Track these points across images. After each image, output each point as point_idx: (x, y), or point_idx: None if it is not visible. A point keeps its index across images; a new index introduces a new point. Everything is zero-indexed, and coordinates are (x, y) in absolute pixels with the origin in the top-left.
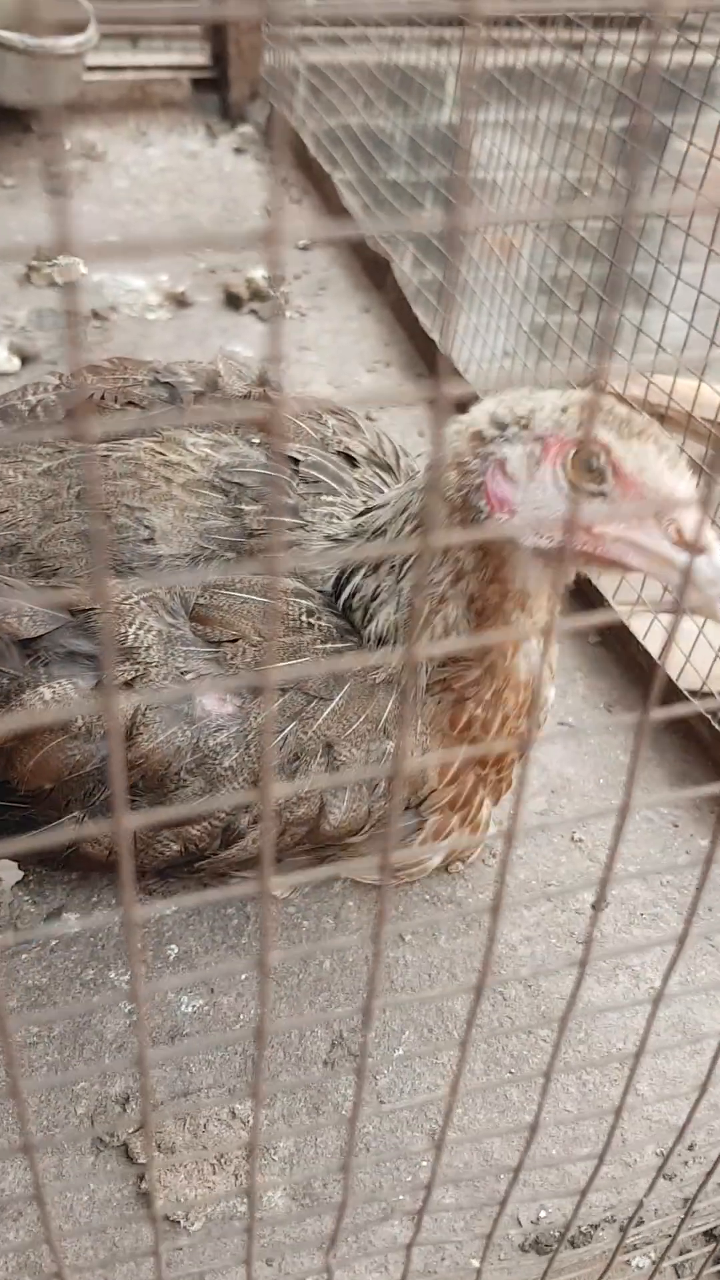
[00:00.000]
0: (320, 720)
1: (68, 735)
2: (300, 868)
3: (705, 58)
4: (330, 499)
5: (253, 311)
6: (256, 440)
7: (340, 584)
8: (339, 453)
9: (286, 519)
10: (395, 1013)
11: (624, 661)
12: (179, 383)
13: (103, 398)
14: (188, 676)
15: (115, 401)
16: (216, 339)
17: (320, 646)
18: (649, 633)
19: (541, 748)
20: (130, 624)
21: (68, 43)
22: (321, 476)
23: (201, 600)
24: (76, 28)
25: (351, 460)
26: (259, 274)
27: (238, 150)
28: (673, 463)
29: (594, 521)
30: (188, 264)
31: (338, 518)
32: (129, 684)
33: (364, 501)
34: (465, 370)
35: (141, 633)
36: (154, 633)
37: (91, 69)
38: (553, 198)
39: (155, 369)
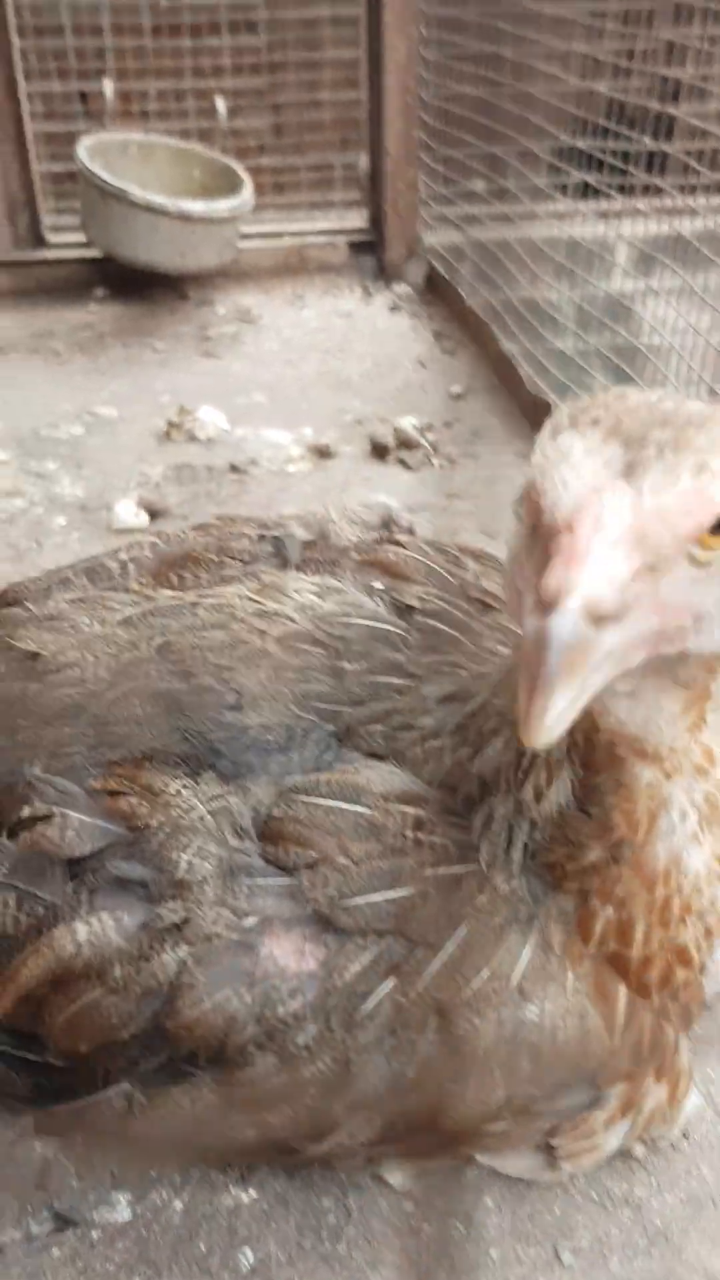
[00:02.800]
0: (428, 976)
1: (105, 988)
2: (422, 1152)
3: None
4: (449, 649)
5: (399, 461)
6: (379, 585)
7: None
8: (474, 598)
9: (394, 679)
10: None
11: None
12: (286, 535)
13: (201, 552)
14: (248, 921)
15: (214, 555)
16: (359, 489)
17: (430, 873)
18: None
19: None
20: (185, 849)
21: (221, 207)
22: (441, 625)
23: (277, 811)
24: (231, 193)
25: (487, 606)
26: (408, 422)
27: (392, 308)
28: (573, 463)
29: (515, 571)
30: (333, 416)
31: (459, 668)
32: (177, 928)
33: (492, 649)
34: None
35: (197, 861)
36: (212, 861)
37: (249, 236)
38: None
39: (263, 523)
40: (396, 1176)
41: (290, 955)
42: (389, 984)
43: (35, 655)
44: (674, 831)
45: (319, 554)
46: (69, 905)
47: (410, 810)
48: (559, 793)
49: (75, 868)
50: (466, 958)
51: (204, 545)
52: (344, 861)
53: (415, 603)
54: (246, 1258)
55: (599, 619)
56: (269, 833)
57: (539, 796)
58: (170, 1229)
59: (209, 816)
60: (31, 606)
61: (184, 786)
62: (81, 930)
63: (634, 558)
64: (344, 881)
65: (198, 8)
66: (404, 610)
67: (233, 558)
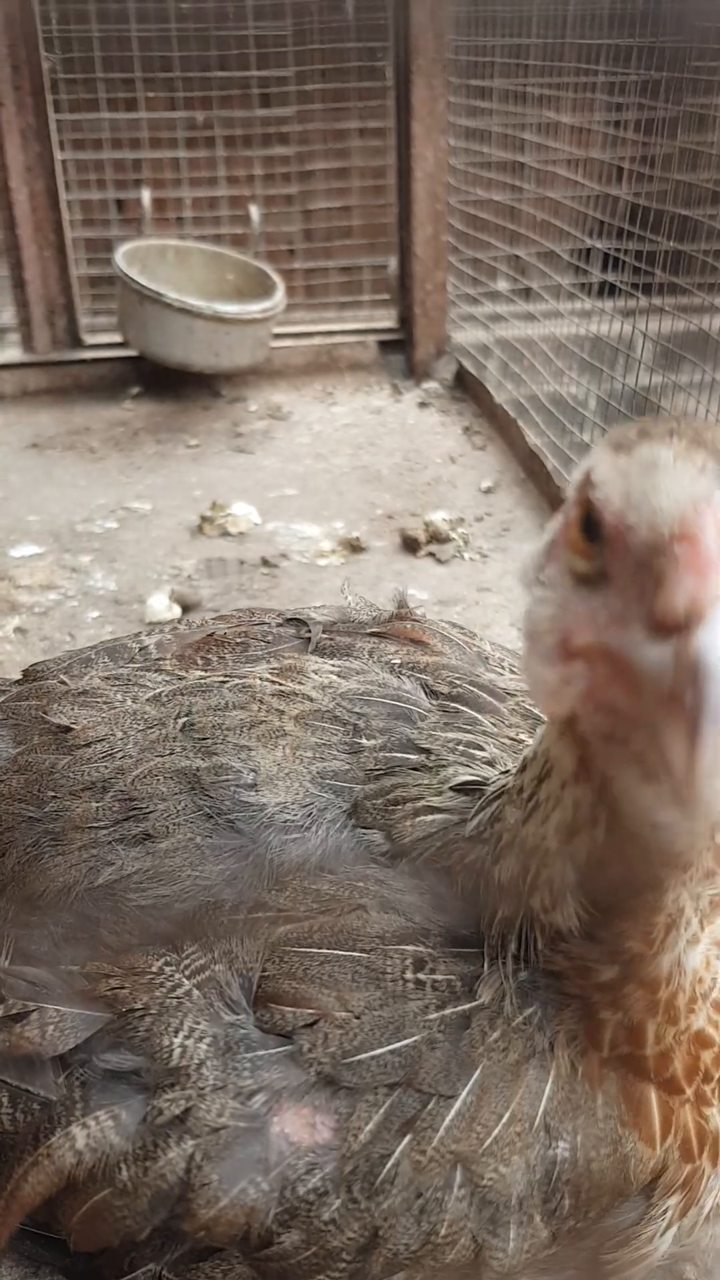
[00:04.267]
0: (443, 1130)
1: (114, 1190)
2: None
3: None
4: (468, 726)
5: (430, 554)
6: (398, 661)
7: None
8: (494, 666)
9: (409, 754)
10: None
11: None
12: (308, 618)
13: (225, 634)
14: (256, 1100)
15: (239, 638)
16: (390, 583)
17: (435, 1016)
18: None
19: None
20: (176, 1031)
21: (254, 309)
22: (463, 707)
23: (270, 968)
24: (264, 295)
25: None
26: (439, 516)
27: (421, 404)
28: (666, 470)
29: (572, 628)
30: (364, 510)
31: (477, 747)
32: (179, 1119)
33: (514, 734)
34: None
35: (190, 1044)
36: (207, 1041)
37: (280, 335)
38: None
39: (282, 612)
40: None
41: (302, 1129)
42: (404, 1143)
43: (67, 729)
44: (679, 941)
45: (338, 637)
46: (63, 1105)
47: (409, 949)
48: (564, 917)
49: (66, 1056)
50: (483, 1103)
51: (226, 631)
52: (343, 1015)
53: (433, 683)
54: None
55: None
56: (263, 995)
57: (546, 910)
58: None
59: (196, 991)
60: (67, 680)
61: (166, 964)
62: (79, 1136)
63: None
64: (345, 1037)
65: (231, 121)
66: (428, 688)
67: (256, 639)
